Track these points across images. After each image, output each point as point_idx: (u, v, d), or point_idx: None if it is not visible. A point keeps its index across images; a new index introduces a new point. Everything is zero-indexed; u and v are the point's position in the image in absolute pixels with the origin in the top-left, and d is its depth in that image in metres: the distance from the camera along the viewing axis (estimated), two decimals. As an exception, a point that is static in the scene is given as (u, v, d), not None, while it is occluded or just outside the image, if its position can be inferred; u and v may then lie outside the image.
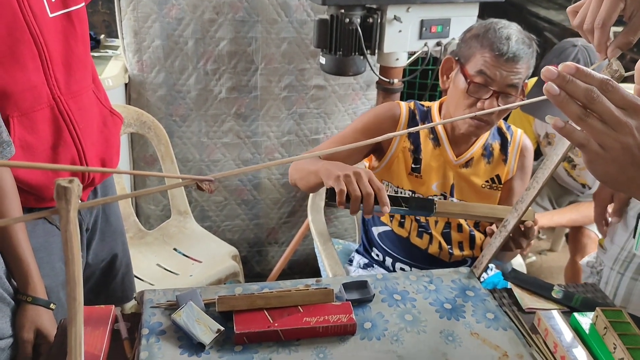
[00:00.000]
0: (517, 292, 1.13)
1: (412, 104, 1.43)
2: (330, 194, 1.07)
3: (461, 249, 1.45)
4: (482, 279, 1.17)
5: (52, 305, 1.01)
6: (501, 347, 0.95)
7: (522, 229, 1.15)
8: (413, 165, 1.39)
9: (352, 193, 1.02)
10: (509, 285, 1.16)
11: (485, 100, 1.25)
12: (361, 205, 1.04)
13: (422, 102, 1.45)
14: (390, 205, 1.04)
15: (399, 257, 1.46)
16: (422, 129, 0.92)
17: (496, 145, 1.43)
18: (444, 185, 1.40)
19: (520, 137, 1.45)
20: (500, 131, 1.45)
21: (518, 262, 1.74)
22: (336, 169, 1.09)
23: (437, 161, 1.39)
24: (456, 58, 1.32)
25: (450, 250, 1.43)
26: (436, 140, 1.40)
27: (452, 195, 1.41)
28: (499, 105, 1.25)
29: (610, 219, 1.60)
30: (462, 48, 1.31)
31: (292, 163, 1.35)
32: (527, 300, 1.11)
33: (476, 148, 1.41)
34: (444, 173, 1.40)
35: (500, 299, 1.12)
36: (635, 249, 1.51)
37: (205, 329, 0.92)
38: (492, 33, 1.25)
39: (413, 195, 1.40)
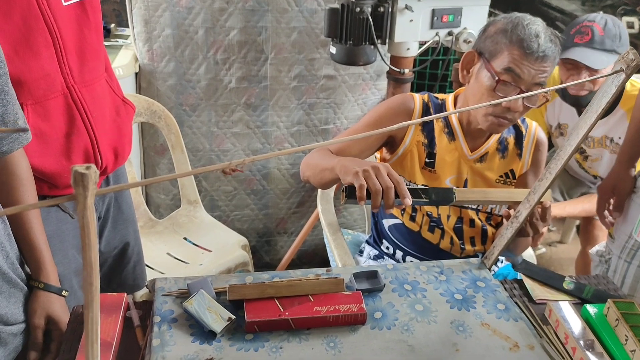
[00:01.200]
0: (528, 283, 1.13)
1: (425, 96, 1.40)
2: (349, 190, 1.05)
3: (473, 244, 1.44)
4: (492, 271, 1.16)
5: (64, 292, 1.02)
6: (512, 338, 0.95)
7: (539, 210, 1.14)
8: (427, 160, 1.38)
9: (373, 188, 1.01)
10: (520, 276, 1.16)
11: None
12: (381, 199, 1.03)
13: (436, 95, 1.43)
14: (412, 197, 1.03)
15: (409, 250, 1.45)
16: (438, 117, 0.91)
17: (511, 140, 1.42)
18: (458, 180, 1.39)
19: (535, 130, 1.43)
20: (515, 125, 1.43)
21: (528, 254, 1.73)
22: (353, 164, 1.08)
23: (452, 156, 1.38)
24: (479, 52, 1.29)
25: (462, 246, 1.42)
26: (451, 135, 1.38)
27: None
28: (523, 104, 1.23)
29: (609, 216, 1.61)
30: (488, 43, 1.26)
31: (303, 159, 1.35)
32: (538, 291, 1.11)
33: (491, 142, 1.39)
34: (458, 167, 1.38)
35: (511, 290, 1.11)
36: (634, 232, 1.51)
37: (216, 317, 0.93)
38: (520, 29, 1.21)
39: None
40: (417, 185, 1.39)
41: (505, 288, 1.10)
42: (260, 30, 2.03)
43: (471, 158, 1.38)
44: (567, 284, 1.12)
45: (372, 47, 1.77)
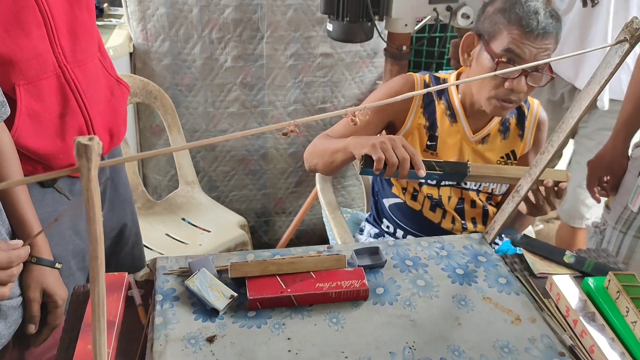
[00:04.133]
0: (529, 257, 1.13)
1: (427, 76, 1.38)
2: (366, 160, 1.09)
3: (475, 224, 1.44)
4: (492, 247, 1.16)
5: (57, 265, 1.02)
6: (513, 311, 0.96)
7: (556, 189, 1.14)
8: (428, 143, 1.36)
9: (390, 159, 1.05)
10: (521, 250, 1.16)
11: (514, 79, 1.20)
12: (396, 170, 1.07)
13: (438, 74, 1.41)
14: (426, 168, 1.07)
15: (410, 229, 1.45)
16: (432, 90, 0.91)
17: (513, 120, 1.40)
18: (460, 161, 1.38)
19: (537, 109, 1.42)
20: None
21: (527, 230, 1.74)
22: (367, 138, 1.11)
23: (454, 138, 1.37)
24: (478, 34, 1.26)
25: (464, 225, 1.42)
26: (453, 117, 1.36)
27: None
28: (527, 84, 1.20)
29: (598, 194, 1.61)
30: (486, 24, 1.24)
31: (306, 150, 1.35)
32: (538, 265, 1.11)
33: (494, 124, 1.38)
34: (460, 149, 1.37)
35: (512, 265, 1.12)
36: (630, 202, 1.51)
37: (218, 295, 0.92)
38: (519, 7, 1.18)
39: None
40: None
41: (506, 262, 1.10)
42: (255, 8, 2.01)
43: (473, 140, 1.37)
44: (568, 258, 1.13)
45: (369, 23, 1.75)
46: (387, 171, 1.07)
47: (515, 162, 1.41)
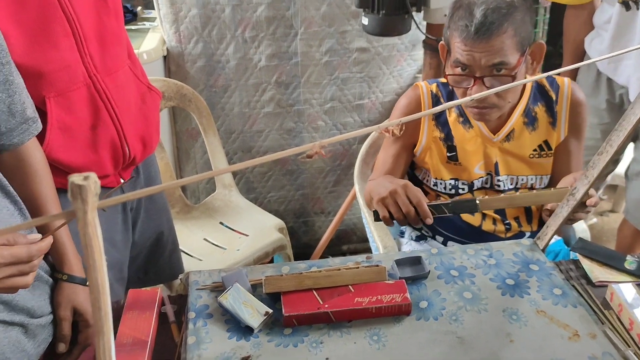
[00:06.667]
0: (586, 264, 1.05)
1: (434, 86, 1.32)
2: (375, 214, 1.13)
3: (519, 223, 1.34)
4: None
5: (88, 283, 1.00)
6: (571, 326, 0.88)
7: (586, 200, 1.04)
8: (448, 154, 1.30)
9: (395, 214, 1.07)
10: (576, 255, 1.07)
11: (472, 88, 1.13)
12: None
13: (445, 80, 1.33)
14: (434, 213, 1.07)
15: (450, 235, 1.38)
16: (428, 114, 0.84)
17: (539, 109, 1.29)
18: (487, 165, 1.30)
19: (568, 91, 1.28)
20: (542, 90, 1.29)
21: (581, 228, 1.63)
22: (376, 190, 1.13)
23: (474, 143, 1.28)
24: (447, 44, 1.21)
25: (507, 226, 1.33)
26: (467, 122, 1.28)
27: (497, 173, 1.29)
28: (488, 88, 1.12)
29: None
30: (446, 35, 1.19)
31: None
32: (597, 272, 1.02)
33: (515, 118, 1.27)
34: (484, 153, 1.29)
35: (568, 272, 1.03)
36: None
37: (252, 312, 0.88)
38: (460, 12, 1.12)
39: (456, 182, 1.31)
40: (444, 181, 1.31)
41: (560, 270, 1.02)
42: (288, 5, 1.96)
43: (497, 140, 1.28)
44: (629, 264, 1.03)
45: (406, 15, 1.67)
46: (398, 223, 1.09)
47: (551, 152, 1.30)
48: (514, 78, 1.12)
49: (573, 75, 1.95)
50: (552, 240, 1.44)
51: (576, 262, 1.06)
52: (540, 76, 0.74)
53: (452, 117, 1.30)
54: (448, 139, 1.30)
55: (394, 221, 1.09)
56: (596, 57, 1.72)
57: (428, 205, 1.06)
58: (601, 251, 1.07)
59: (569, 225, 1.54)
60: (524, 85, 1.26)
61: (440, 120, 1.30)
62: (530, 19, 1.14)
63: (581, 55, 1.88)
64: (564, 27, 1.94)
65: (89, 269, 0.34)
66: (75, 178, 0.33)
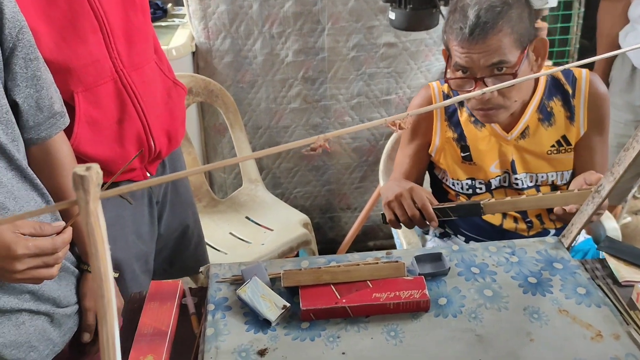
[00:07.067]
0: (612, 262, 1.02)
1: (445, 86, 1.30)
2: (383, 217, 1.17)
3: (541, 221, 1.31)
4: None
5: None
6: (594, 326, 0.86)
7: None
8: (462, 154, 1.28)
9: (401, 217, 1.11)
10: (603, 254, 1.05)
11: (474, 90, 1.11)
12: None
13: None
14: (440, 216, 1.10)
15: (471, 235, 1.36)
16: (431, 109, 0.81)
17: (555, 103, 1.24)
18: (503, 163, 1.27)
19: (586, 83, 1.23)
20: (557, 84, 1.24)
21: (612, 226, 1.58)
22: (385, 192, 1.17)
23: (488, 142, 1.26)
24: (447, 50, 1.19)
25: (529, 224, 1.30)
26: (478, 122, 1.25)
27: (514, 172, 1.26)
28: (497, 90, 1.11)
29: None
30: (444, 39, 1.18)
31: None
32: (623, 272, 1.00)
33: (529, 115, 1.23)
34: (500, 151, 1.26)
35: (593, 272, 1.01)
36: None
37: (270, 305, 0.89)
38: (455, 15, 1.10)
39: (473, 182, 1.29)
40: (460, 181, 1.30)
41: (586, 269, 0.99)
42: (315, 0, 1.96)
43: (511, 138, 1.24)
44: (659, 264, 1.00)
45: (434, 10, 1.65)
46: (406, 226, 1.13)
47: (571, 147, 1.25)
48: (515, 76, 1.09)
49: (606, 70, 1.90)
50: (581, 239, 1.41)
51: (602, 261, 1.03)
52: (562, 68, 0.72)
53: (463, 117, 1.28)
54: (461, 139, 1.28)
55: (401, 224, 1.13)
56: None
57: (433, 209, 1.08)
58: (629, 250, 1.04)
59: (598, 223, 1.50)
60: (537, 81, 1.23)
61: (452, 120, 1.29)
62: (529, 15, 1.12)
63: (615, 50, 1.83)
64: (598, 21, 1.89)
65: (91, 257, 0.35)
66: (78, 169, 0.33)
